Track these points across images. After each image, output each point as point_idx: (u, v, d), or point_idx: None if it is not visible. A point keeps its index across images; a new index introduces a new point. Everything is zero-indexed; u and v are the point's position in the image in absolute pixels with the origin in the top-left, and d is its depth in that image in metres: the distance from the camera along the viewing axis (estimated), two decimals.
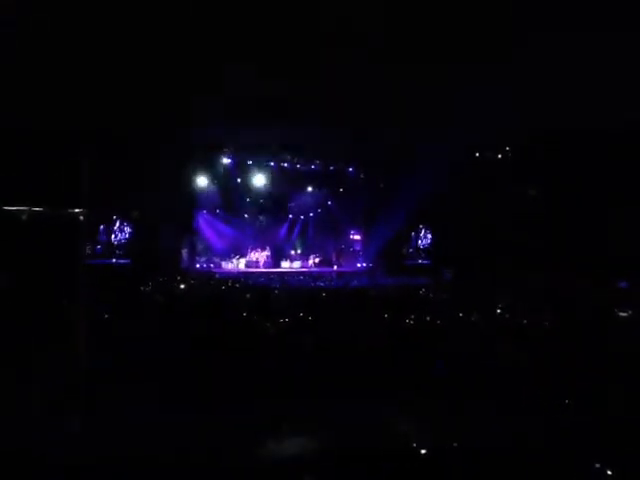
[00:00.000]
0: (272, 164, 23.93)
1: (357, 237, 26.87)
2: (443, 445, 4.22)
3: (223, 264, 24.64)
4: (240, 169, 23.92)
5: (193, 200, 22.54)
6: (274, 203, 25.72)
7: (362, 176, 24.86)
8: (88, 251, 19.08)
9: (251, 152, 22.99)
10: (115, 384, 5.63)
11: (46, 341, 6.95)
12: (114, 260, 20.47)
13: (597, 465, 3.81)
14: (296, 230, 27.29)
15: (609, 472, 3.74)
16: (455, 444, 4.25)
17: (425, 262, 23.62)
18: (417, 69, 12.60)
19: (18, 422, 4.68)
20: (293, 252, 26.80)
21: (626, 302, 10.75)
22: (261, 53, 12.03)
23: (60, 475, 3.71)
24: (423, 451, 4.10)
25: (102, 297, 11.17)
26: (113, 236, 21.14)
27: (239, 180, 24.36)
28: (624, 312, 10.15)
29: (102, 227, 20.66)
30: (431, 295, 13.46)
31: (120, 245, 21.18)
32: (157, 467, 3.71)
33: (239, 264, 24.79)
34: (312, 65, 12.38)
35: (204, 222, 24.94)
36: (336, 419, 4.86)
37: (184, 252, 22.27)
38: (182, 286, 15.77)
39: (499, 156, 20.32)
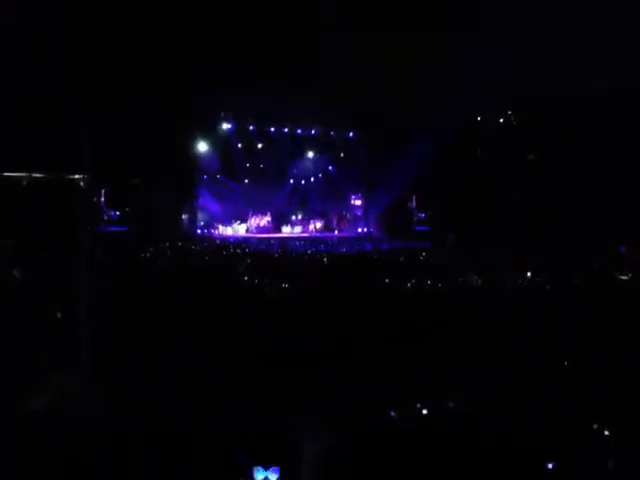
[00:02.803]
0: (272, 129, 23.68)
1: (358, 202, 26.80)
2: (443, 408, 4.24)
3: (223, 229, 24.62)
4: (241, 134, 23.71)
5: (193, 166, 22.39)
6: (275, 168, 25.52)
7: (363, 141, 24.61)
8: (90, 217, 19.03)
9: (251, 118, 22.78)
10: (116, 350, 5.66)
11: (49, 305, 6.98)
12: (113, 227, 20.47)
13: (595, 426, 3.83)
14: (297, 195, 27.15)
15: (606, 432, 3.76)
16: (454, 405, 4.27)
17: (428, 228, 23.50)
18: (415, 36, 12.39)
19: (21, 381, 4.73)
20: (294, 217, 26.73)
21: (626, 266, 10.80)
22: (259, 16, 11.79)
23: (59, 435, 3.75)
24: (425, 411, 4.13)
25: (103, 264, 11.20)
26: (113, 202, 21.11)
27: (240, 145, 24.16)
28: (624, 276, 10.20)
29: (102, 193, 20.62)
30: (432, 260, 13.48)
31: (119, 211, 21.17)
32: (155, 437, 3.74)
33: (240, 229, 24.79)
34: (311, 30, 12.15)
35: (204, 188, 24.78)
36: (336, 385, 4.89)
37: (185, 218, 22.23)
38: (183, 252, 15.79)
39: (500, 120, 20.09)
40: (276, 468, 3.38)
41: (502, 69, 13.10)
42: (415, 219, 24.40)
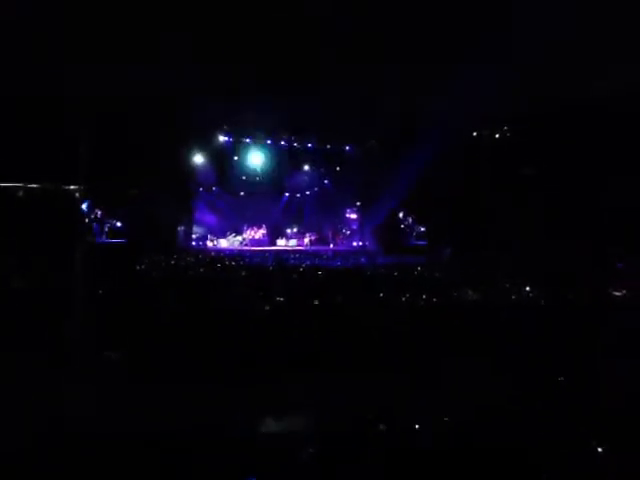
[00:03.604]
0: (269, 142, 23.76)
1: (353, 216, 26.89)
2: (438, 422, 4.24)
3: (216, 242, 24.68)
4: (237, 147, 23.79)
5: (190, 178, 22.44)
6: (271, 181, 25.59)
7: (359, 155, 24.70)
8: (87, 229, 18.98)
9: (248, 130, 22.86)
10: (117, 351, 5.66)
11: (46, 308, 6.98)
12: (109, 239, 20.44)
13: (589, 439, 3.85)
14: (292, 209, 27.24)
15: (599, 449, 3.77)
16: (448, 419, 4.28)
17: (424, 243, 23.48)
18: (415, 43, 12.48)
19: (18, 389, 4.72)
20: (289, 230, 26.80)
21: (623, 283, 10.78)
22: (258, 26, 11.89)
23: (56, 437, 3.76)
24: (417, 426, 4.13)
25: (99, 274, 11.19)
26: (109, 214, 21.08)
27: (236, 158, 24.23)
28: (619, 292, 10.18)
29: (98, 205, 20.58)
30: (427, 274, 13.49)
31: (116, 223, 21.14)
32: (155, 437, 3.74)
33: (235, 242, 24.85)
34: (308, 39, 12.25)
35: (200, 200, 24.85)
36: (331, 395, 4.89)
37: (180, 230, 22.23)
38: (179, 264, 15.78)
39: (497, 135, 20.18)
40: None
41: (501, 72, 13.13)
42: (414, 233, 24.38)
